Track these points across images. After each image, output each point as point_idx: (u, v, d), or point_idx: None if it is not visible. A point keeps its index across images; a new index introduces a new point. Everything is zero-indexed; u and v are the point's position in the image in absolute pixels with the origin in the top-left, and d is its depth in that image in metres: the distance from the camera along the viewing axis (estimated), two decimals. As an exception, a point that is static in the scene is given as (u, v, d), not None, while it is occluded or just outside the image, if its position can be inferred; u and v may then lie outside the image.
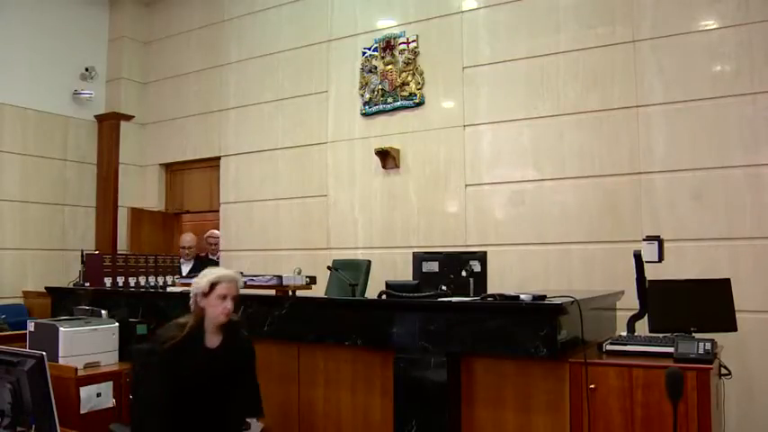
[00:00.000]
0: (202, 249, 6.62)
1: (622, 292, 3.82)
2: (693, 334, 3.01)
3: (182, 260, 5.96)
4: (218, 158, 6.76)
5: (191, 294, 2.82)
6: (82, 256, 5.08)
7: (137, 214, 7.04)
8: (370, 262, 5.00)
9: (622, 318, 3.53)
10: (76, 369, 3.32)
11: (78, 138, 7.00)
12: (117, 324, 3.71)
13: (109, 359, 3.57)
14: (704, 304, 3.16)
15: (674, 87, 4.53)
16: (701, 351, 2.66)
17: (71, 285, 4.97)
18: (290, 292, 3.81)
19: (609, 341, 3.01)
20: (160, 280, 4.98)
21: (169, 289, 4.57)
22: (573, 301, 2.84)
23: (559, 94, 4.93)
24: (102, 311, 3.95)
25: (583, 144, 4.83)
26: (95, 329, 3.59)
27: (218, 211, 6.69)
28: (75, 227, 6.90)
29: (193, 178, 7.14)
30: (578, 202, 4.81)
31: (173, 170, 7.30)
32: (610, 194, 4.70)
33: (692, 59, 4.48)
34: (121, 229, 7.05)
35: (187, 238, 6.43)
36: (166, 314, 4.07)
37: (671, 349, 2.75)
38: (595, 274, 4.65)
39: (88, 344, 3.50)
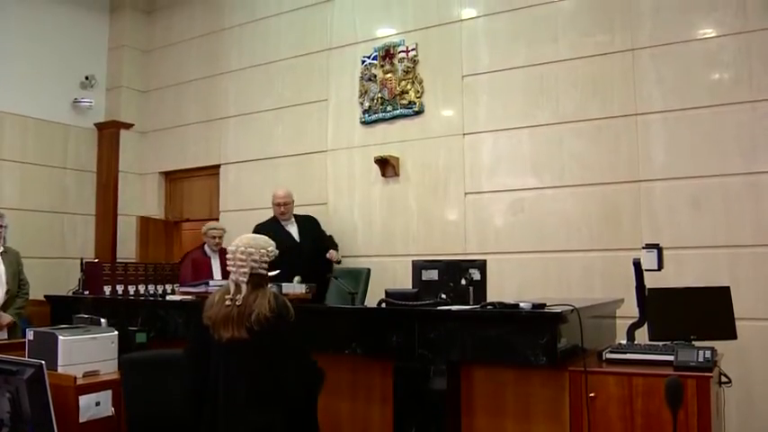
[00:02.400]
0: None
1: (622, 300, 3.82)
2: (693, 342, 3.01)
3: (284, 221, 5.36)
4: (218, 166, 6.76)
5: (258, 267, 2.64)
6: (81, 264, 5.09)
7: (145, 223, 7.06)
8: (369, 270, 5.01)
9: (622, 326, 3.53)
10: (75, 378, 3.31)
11: (78, 146, 7.01)
12: (116, 332, 3.71)
13: (108, 368, 3.56)
14: (704, 312, 3.15)
15: (673, 95, 4.54)
16: (700, 359, 2.66)
17: (70, 294, 4.97)
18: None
19: (609, 349, 3.01)
20: (159, 288, 4.99)
21: (169, 297, 4.57)
22: (572, 310, 2.85)
23: (558, 102, 4.95)
24: (102, 320, 3.95)
25: (582, 152, 4.84)
26: (94, 338, 3.58)
27: (217, 219, 6.67)
28: (74, 235, 6.90)
29: (193, 186, 7.14)
30: (578, 209, 4.82)
31: (172, 178, 7.30)
32: (609, 202, 4.70)
33: (691, 67, 4.50)
34: (129, 237, 7.05)
35: (280, 192, 5.47)
36: (166, 322, 4.11)
37: (671, 357, 2.75)
38: (595, 282, 4.65)
39: (87, 352, 3.50)
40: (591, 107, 4.82)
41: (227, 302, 2.60)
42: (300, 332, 2.66)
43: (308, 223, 5.51)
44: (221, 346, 2.58)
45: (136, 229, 7.03)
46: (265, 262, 2.67)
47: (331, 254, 5.28)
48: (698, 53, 4.49)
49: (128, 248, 7.05)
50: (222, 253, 5.61)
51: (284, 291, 3.99)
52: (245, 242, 2.69)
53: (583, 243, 4.77)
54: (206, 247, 5.72)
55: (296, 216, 5.51)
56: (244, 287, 2.61)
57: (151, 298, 4.67)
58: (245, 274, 2.62)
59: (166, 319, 4.12)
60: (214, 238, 5.73)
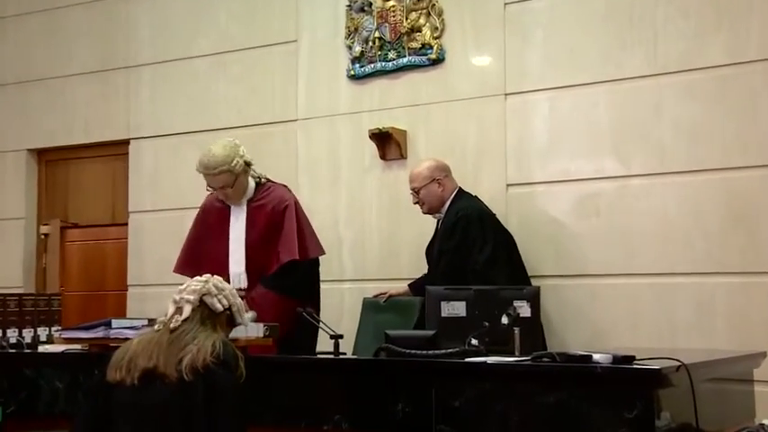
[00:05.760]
0: None
1: (764, 355, 3.82)
2: None
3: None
4: (126, 142, 6.81)
5: (211, 298, 3.00)
6: None
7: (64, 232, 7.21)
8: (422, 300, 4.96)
9: (765, 395, 3.53)
10: None
11: None
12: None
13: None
14: None
15: None
16: None
17: None
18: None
19: (744, 432, 3.00)
20: (28, 335, 4.91)
21: (42, 348, 4.52)
22: (679, 367, 2.84)
23: (657, 41, 4.95)
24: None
25: (695, 121, 4.83)
26: None
27: (125, 224, 6.74)
28: None
29: (85, 173, 7.20)
30: (687, 210, 4.82)
31: (50, 160, 7.35)
32: (740, 199, 4.70)
33: None
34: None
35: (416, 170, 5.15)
36: (37, 389, 4.08)
37: None
38: (717, 324, 4.66)
39: None
40: (711, 49, 4.82)
41: (158, 327, 2.91)
42: (244, 399, 2.84)
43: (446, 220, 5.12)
44: (128, 400, 2.76)
45: (53, 238, 7.12)
46: (224, 297, 3.04)
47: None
48: None
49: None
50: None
51: (231, 335, 3.97)
52: (206, 276, 3.09)
53: (696, 263, 4.77)
54: None
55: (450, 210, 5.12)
56: (187, 309, 2.91)
57: (12, 350, 4.62)
58: (195, 293, 2.95)
59: (37, 383, 4.11)
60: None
